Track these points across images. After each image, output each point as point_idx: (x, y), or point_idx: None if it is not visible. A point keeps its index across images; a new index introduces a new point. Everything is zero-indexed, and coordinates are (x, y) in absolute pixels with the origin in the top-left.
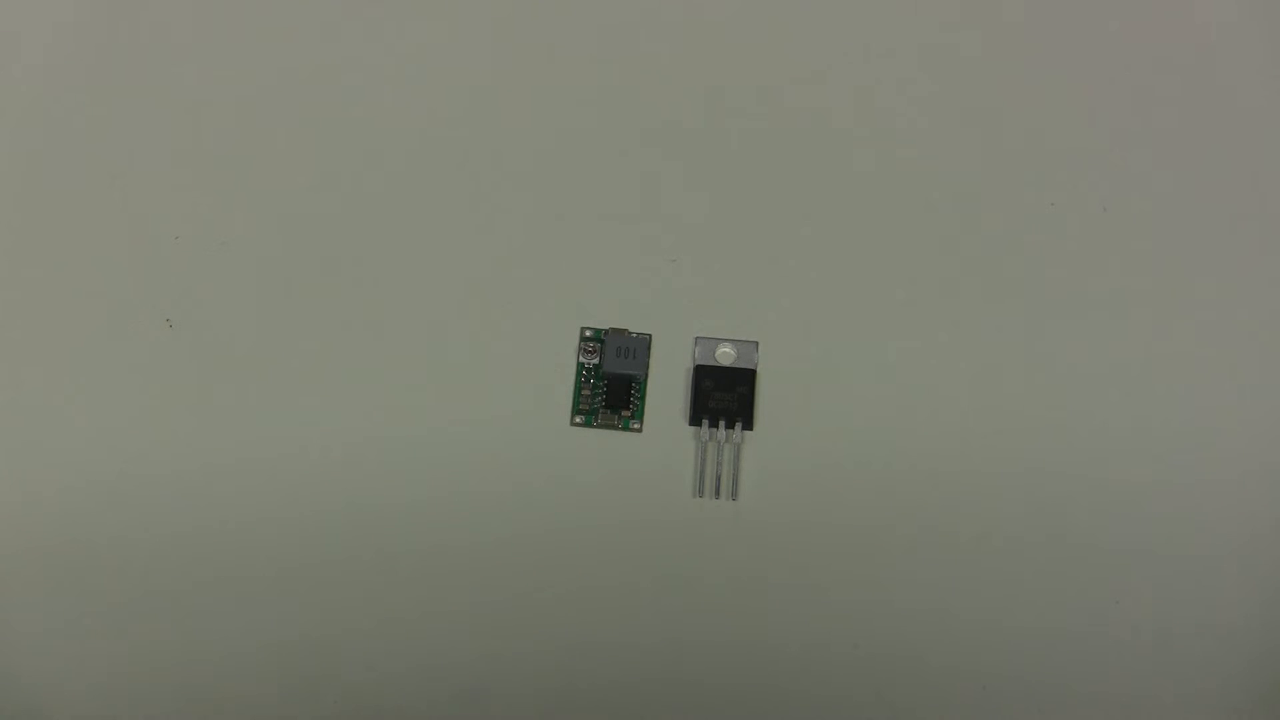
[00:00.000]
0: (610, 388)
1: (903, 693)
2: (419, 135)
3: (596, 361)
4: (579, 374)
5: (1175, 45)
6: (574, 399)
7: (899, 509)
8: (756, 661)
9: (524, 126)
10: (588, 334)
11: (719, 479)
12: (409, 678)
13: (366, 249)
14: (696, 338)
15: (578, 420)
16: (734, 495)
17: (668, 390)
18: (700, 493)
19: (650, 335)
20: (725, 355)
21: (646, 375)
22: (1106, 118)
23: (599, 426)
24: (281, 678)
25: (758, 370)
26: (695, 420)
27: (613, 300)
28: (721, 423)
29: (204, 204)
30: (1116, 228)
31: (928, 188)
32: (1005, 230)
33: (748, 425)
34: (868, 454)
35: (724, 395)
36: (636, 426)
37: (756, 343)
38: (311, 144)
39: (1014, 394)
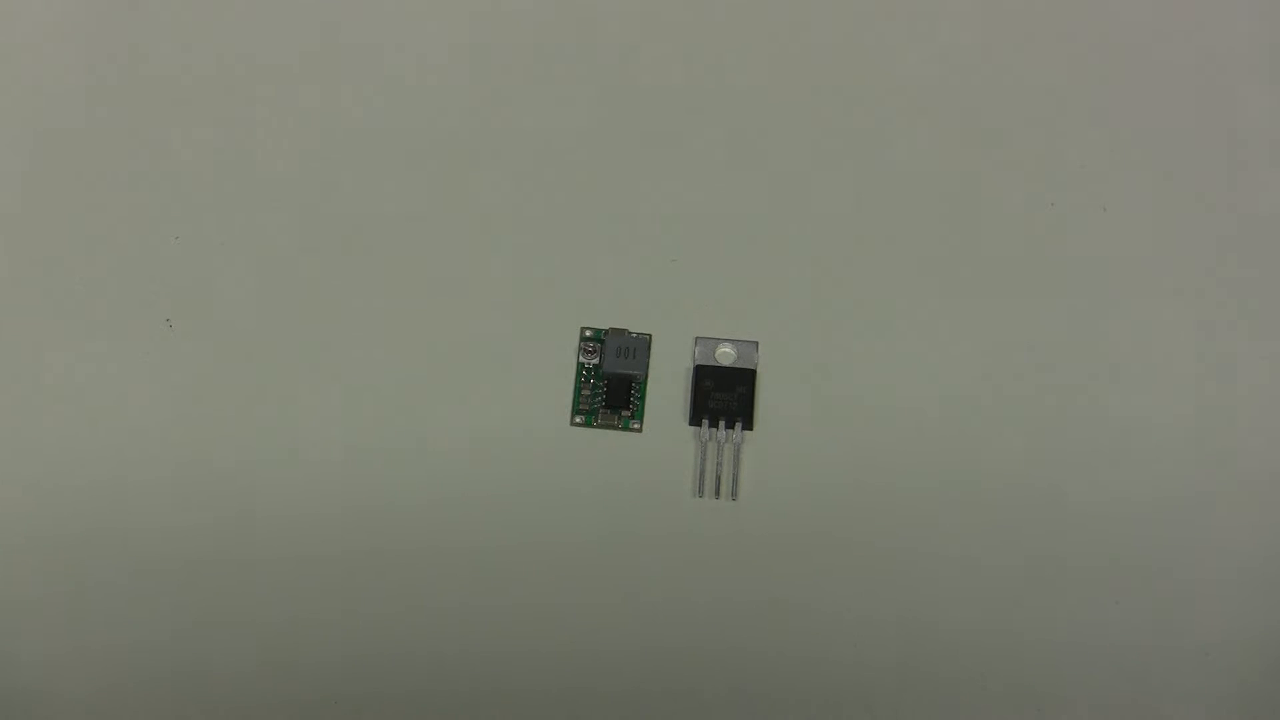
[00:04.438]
0: (610, 388)
1: (903, 693)
2: (419, 135)
3: (596, 361)
4: (579, 374)
5: (1175, 45)
6: (574, 399)
7: (899, 509)
8: (756, 662)
9: (524, 126)
10: (588, 334)
11: (719, 479)
12: (408, 678)
13: (366, 249)
14: (696, 338)
15: (578, 420)
16: (734, 495)
17: (668, 390)
18: (700, 493)
19: (650, 335)
20: (725, 355)
21: (646, 375)
22: (1106, 118)
23: (599, 426)
24: (280, 677)
25: (758, 370)
26: (695, 420)
27: (613, 300)
28: (721, 423)
29: (204, 204)
30: (1116, 228)
31: (928, 188)
32: (1005, 230)
33: (748, 425)
34: (868, 454)
35: (724, 395)
36: (636, 426)
37: (756, 343)
38: (312, 144)
39: (1014, 394)
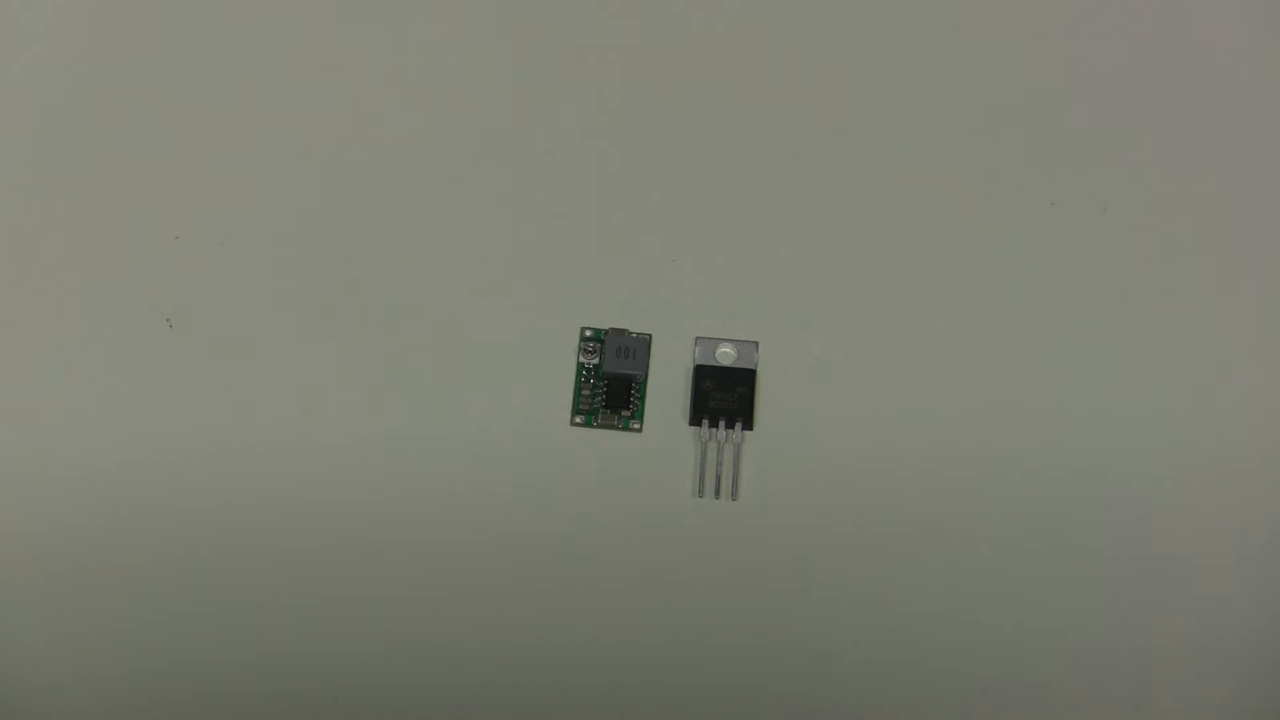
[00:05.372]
0: (610, 388)
1: (903, 693)
2: (419, 135)
3: (596, 361)
4: (579, 374)
5: (1175, 45)
6: (574, 399)
7: (899, 509)
8: (756, 662)
9: (524, 126)
10: (588, 334)
11: (719, 479)
12: (408, 677)
13: (366, 248)
14: (696, 338)
15: (578, 420)
16: (734, 495)
17: (668, 390)
18: (700, 493)
19: (650, 335)
20: (725, 355)
21: (646, 375)
22: (1106, 118)
23: (599, 426)
24: (279, 676)
25: (758, 370)
26: (695, 420)
27: (613, 300)
28: (721, 423)
29: (204, 204)
30: (1116, 228)
31: (928, 187)
32: (1005, 230)
33: (748, 425)
34: (868, 454)
35: (724, 395)
36: (636, 426)
37: (756, 343)
38: (312, 144)
39: (1013, 394)
